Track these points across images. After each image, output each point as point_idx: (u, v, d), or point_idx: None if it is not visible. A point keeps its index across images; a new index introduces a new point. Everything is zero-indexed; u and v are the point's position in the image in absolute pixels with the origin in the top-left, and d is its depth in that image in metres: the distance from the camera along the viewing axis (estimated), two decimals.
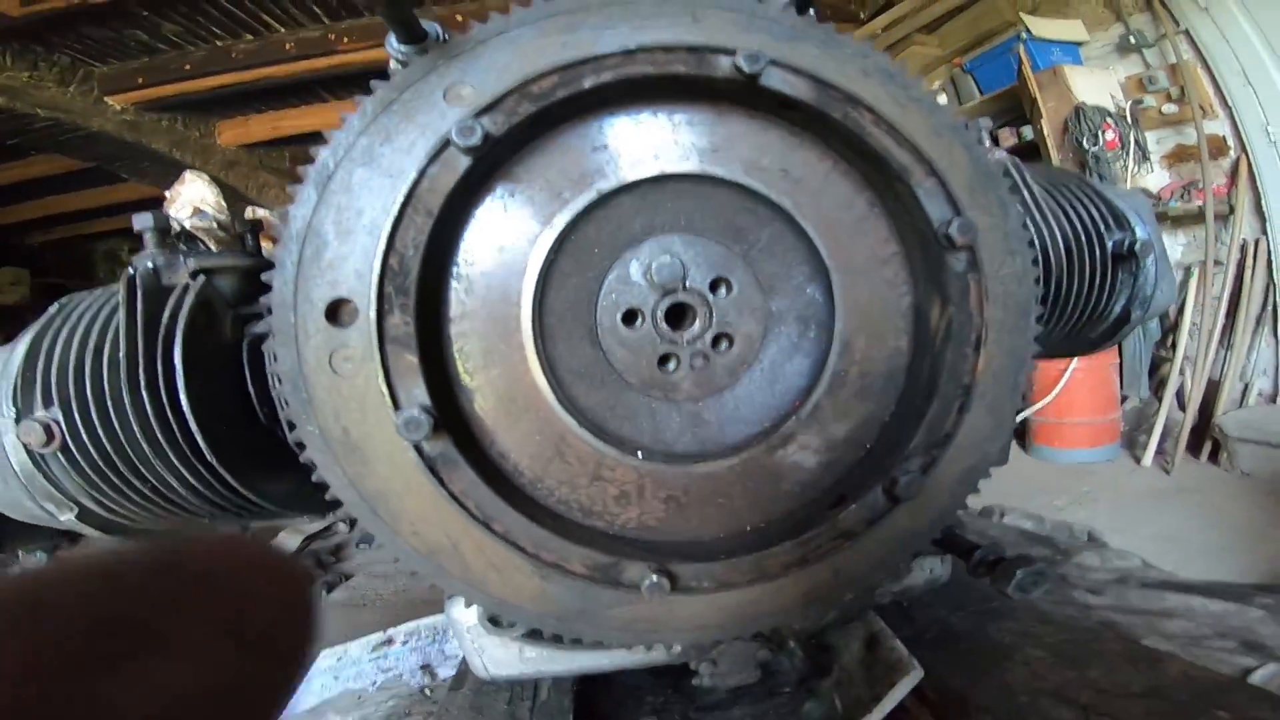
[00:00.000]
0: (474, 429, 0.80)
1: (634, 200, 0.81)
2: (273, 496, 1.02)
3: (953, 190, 0.79)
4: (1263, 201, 3.88)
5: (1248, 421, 3.81)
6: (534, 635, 1.06)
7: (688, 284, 0.83)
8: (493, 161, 0.77)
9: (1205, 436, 3.92)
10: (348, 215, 0.74)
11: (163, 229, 1.03)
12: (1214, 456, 3.93)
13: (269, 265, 1.10)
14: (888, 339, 0.87)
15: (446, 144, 0.72)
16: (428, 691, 1.59)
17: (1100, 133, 4.04)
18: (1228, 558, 3.26)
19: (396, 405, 0.71)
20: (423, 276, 0.72)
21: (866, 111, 0.79)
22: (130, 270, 0.98)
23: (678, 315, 0.85)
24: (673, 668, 1.25)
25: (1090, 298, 1.18)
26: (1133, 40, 4.24)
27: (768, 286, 0.85)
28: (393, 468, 0.75)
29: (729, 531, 0.87)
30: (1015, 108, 4.77)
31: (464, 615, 1.16)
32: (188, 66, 5.55)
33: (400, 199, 0.72)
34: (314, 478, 0.76)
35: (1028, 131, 4.61)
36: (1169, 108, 4.10)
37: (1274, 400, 3.94)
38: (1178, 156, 4.21)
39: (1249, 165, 3.92)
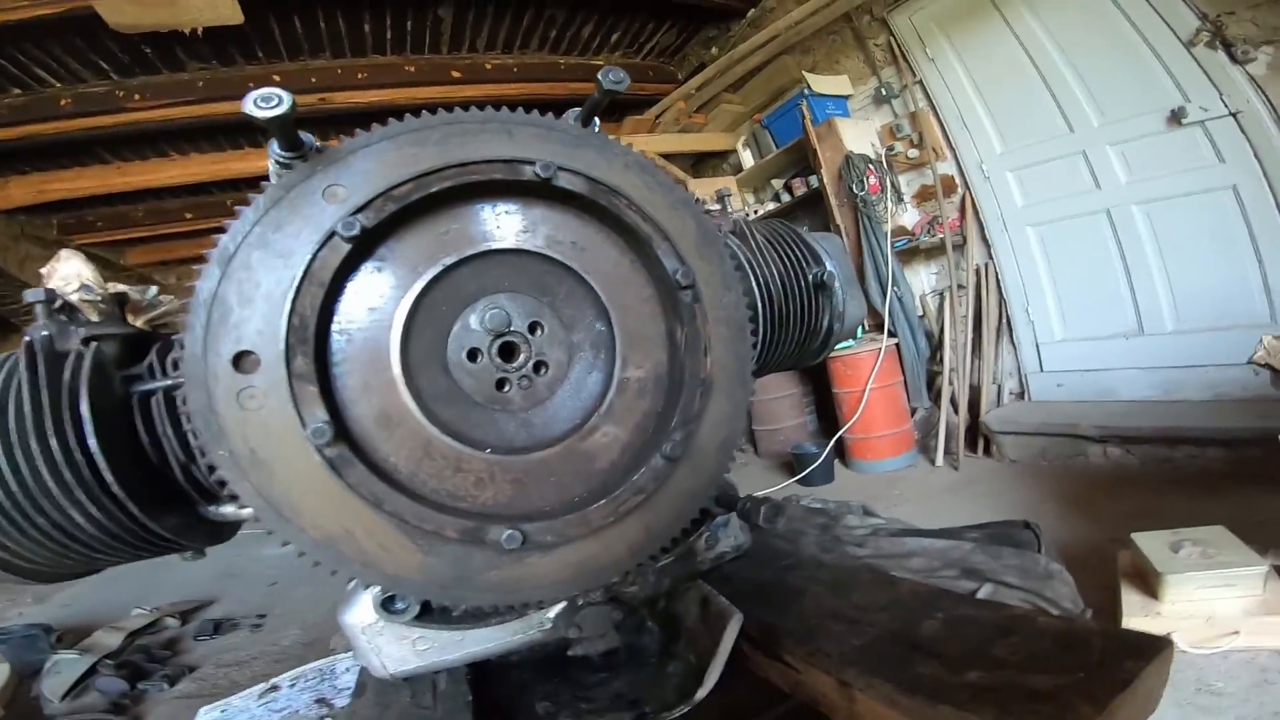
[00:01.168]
0: (361, 438, 1.15)
1: (470, 270, 1.23)
2: (169, 527, 1.28)
3: (680, 249, 1.30)
4: (985, 231, 5.02)
5: (1005, 417, 4.89)
6: (424, 619, 1.38)
7: (512, 327, 1.26)
8: (365, 245, 1.15)
9: (978, 434, 4.94)
10: (248, 287, 1.08)
11: (50, 302, 1.28)
12: (988, 450, 4.95)
13: (144, 335, 1.39)
14: (652, 353, 1.35)
15: (333, 234, 1.09)
16: (329, 717, 1.79)
17: (865, 179, 5.04)
18: None
19: (304, 423, 1.06)
20: (318, 330, 1.08)
21: (623, 199, 1.27)
22: (28, 338, 1.22)
23: (508, 350, 1.27)
24: (556, 660, 1.60)
25: (804, 315, 1.76)
26: (884, 92, 5.22)
27: (569, 325, 1.31)
28: (295, 474, 1.08)
29: (562, 500, 1.28)
30: (803, 159, 5.76)
31: (357, 618, 1.46)
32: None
33: (299, 274, 1.07)
34: (226, 491, 1.07)
35: (814, 180, 5.58)
36: (913, 152, 5.11)
37: (1021, 397, 5.09)
38: (923, 196, 5.26)
39: (972, 200, 5.00)
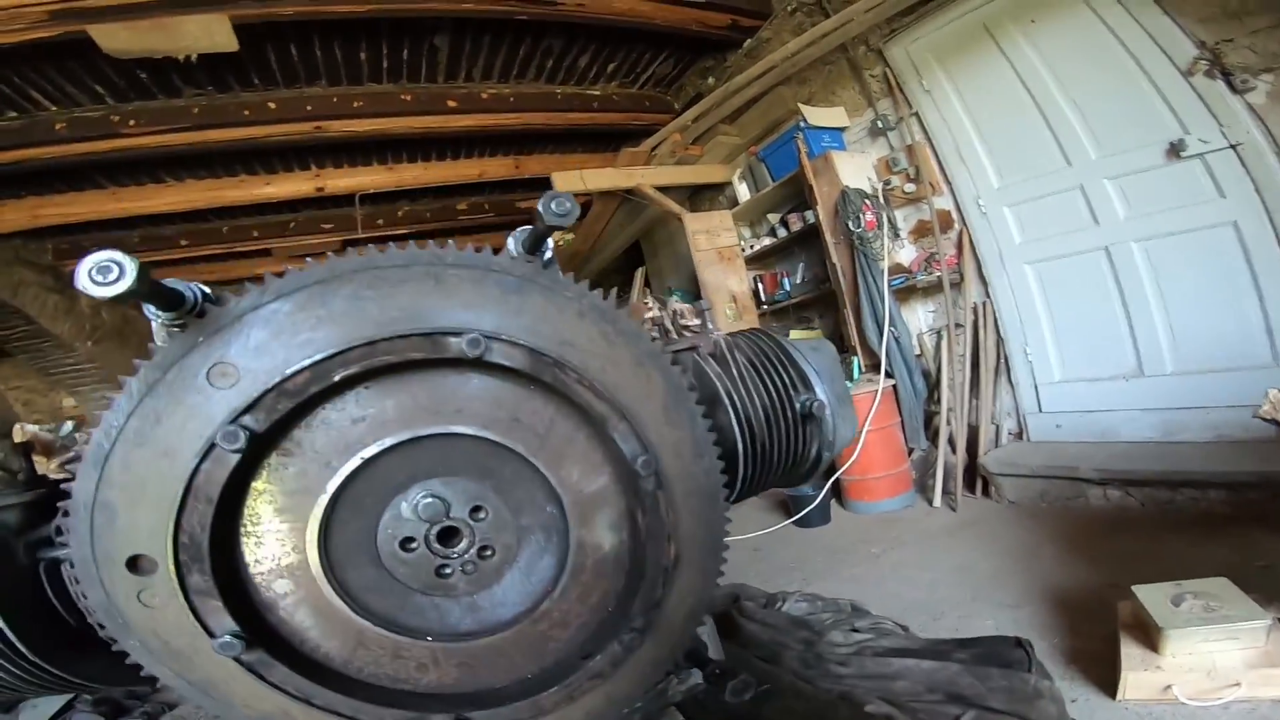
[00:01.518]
0: (284, 635, 1.02)
1: (395, 458, 1.06)
2: (90, 675, 1.21)
3: (640, 428, 1.12)
4: (983, 268, 4.79)
5: (1003, 458, 4.70)
6: None
7: (451, 515, 1.10)
8: (264, 443, 0.98)
9: (976, 475, 4.76)
10: (133, 490, 0.91)
11: None
12: (985, 491, 4.77)
13: (51, 492, 1.24)
14: (611, 535, 1.18)
15: (213, 445, 0.91)
16: None
17: (861, 215, 4.83)
18: (1010, 579, 3.88)
19: (210, 633, 0.92)
20: (213, 544, 0.92)
21: (570, 372, 1.08)
22: None
23: (448, 535, 1.11)
24: None
25: (790, 447, 1.59)
26: (880, 124, 5.00)
27: (515, 508, 1.14)
28: (216, 665, 0.95)
29: (512, 679, 1.14)
30: (799, 193, 5.54)
31: None
32: None
33: (180, 489, 0.91)
34: (142, 674, 0.94)
35: (810, 215, 5.35)
36: (909, 186, 4.89)
37: (1020, 437, 4.90)
38: (920, 231, 5.04)
39: (968, 236, 4.78)
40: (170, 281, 0.91)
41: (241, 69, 5.07)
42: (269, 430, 0.95)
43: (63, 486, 0.95)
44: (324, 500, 1.01)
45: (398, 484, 1.07)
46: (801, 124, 5.23)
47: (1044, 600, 3.61)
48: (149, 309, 0.92)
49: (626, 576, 1.19)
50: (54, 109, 5.09)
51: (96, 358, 7.29)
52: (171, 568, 0.91)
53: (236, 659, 0.95)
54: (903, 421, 4.97)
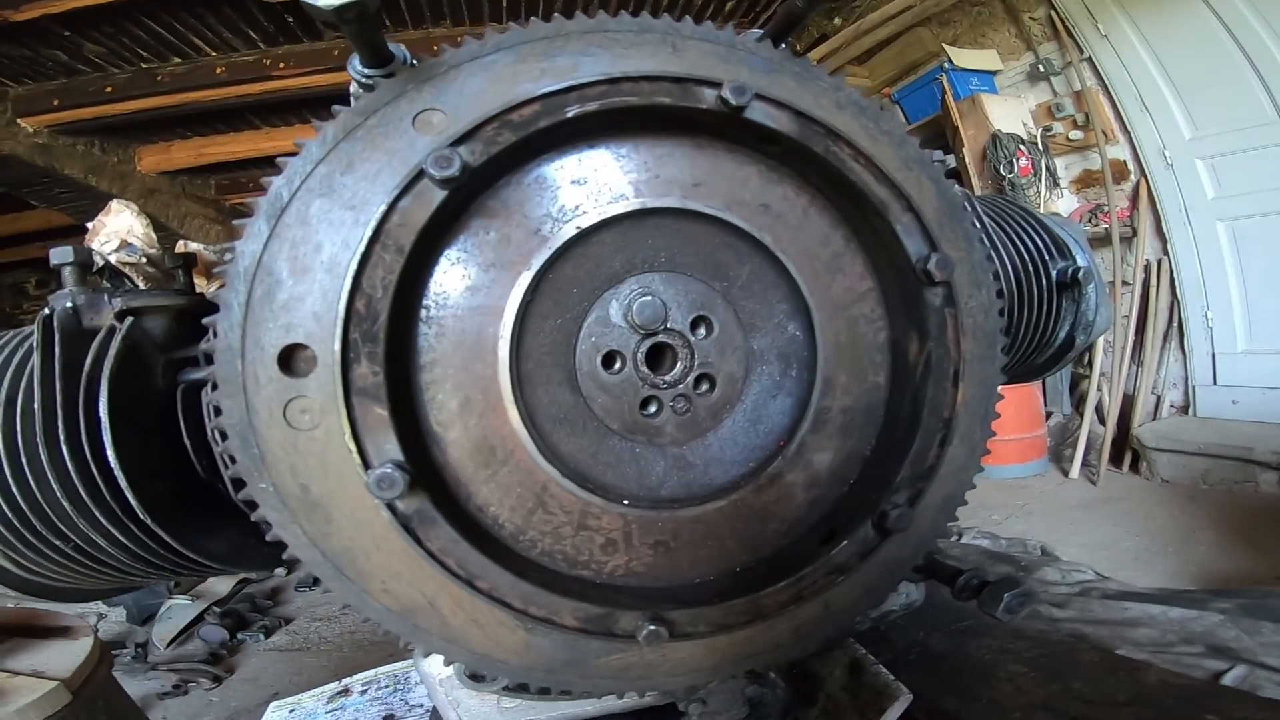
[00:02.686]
0: (449, 483, 0.74)
1: (614, 237, 0.78)
2: (215, 553, 0.93)
3: (928, 225, 0.80)
4: (1162, 223, 4.17)
5: (1163, 432, 4.07)
6: (521, 687, 0.99)
7: (669, 324, 0.80)
8: (467, 195, 0.73)
9: (1125, 448, 4.15)
10: (304, 251, 0.67)
11: (84, 264, 0.94)
12: (1135, 466, 4.16)
13: (205, 305, 1.01)
14: (867, 375, 0.86)
15: (420, 175, 0.67)
16: None
17: (1015, 159, 4.27)
18: (1157, 562, 3.44)
19: (366, 463, 0.65)
20: (392, 321, 0.66)
21: (846, 145, 0.78)
22: (47, 310, 0.88)
23: (658, 357, 0.82)
24: (658, 707, 1.21)
25: (1039, 325, 1.22)
26: (1042, 69, 4.48)
27: (748, 325, 0.84)
28: (360, 525, 0.68)
29: (719, 572, 0.85)
30: (939, 136, 5.01)
31: (435, 666, 1.09)
32: (109, 89, 5.24)
33: (368, 234, 0.66)
34: (268, 536, 0.69)
35: (950, 160, 4.83)
36: (1075, 134, 4.36)
37: (1185, 411, 4.22)
38: (1084, 181, 4.48)
39: (1148, 188, 4.20)
40: None
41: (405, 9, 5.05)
42: (482, 170, 0.69)
43: (212, 245, 0.72)
44: (527, 279, 0.74)
45: (611, 273, 0.79)
46: (946, 66, 4.68)
47: (1195, 587, 3.11)
48: (353, 65, 0.72)
49: (879, 435, 0.87)
50: (213, 54, 5.26)
51: None
52: (337, 347, 0.65)
53: (392, 506, 0.67)
54: (1044, 382, 4.39)
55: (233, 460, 0.68)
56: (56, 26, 4.49)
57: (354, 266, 0.66)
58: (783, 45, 0.83)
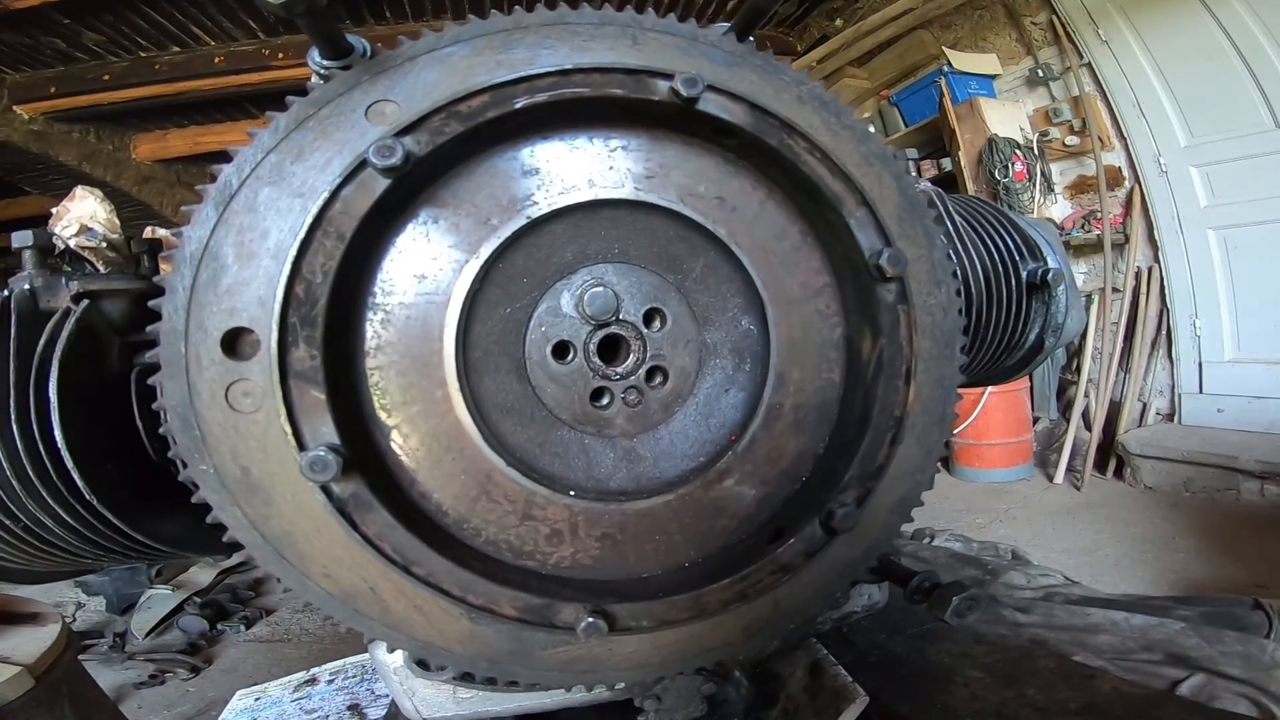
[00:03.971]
0: (391, 468, 0.73)
1: (566, 227, 0.78)
2: (166, 538, 0.92)
3: (883, 220, 0.79)
4: (1155, 230, 4.15)
5: (1148, 439, 4.06)
6: (467, 676, 0.99)
7: (621, 315, 0.80)
8: (415, 184, 0.72)
9: (1110, 454, 4.14)
10: (251, 237, 0.67)
11: (44, 248, 0.93)
12: (1119, 473, 4.16)
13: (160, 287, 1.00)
14: (820, 371, 0.85)
15: (363, 164, 0.67)
16: None
17: (1010, 164, 4.26)
18: (1139, 568, 3.44)
19: (301, 445, 0.65)
20: (332, 305, 0.66)
21: (801, 139, 0.78)
22: (4, 293, 0.87)
23: (610, 348, 0.82)
24: (618, 703, 1.20)
25: (1007, 327, 1.21)
26: (1041, 73, 4.47)
27: (702, 318, 0.83)
28: (299, 509, 0.68)
29: (666, 567, 0.84)
30: (936, 139, 5.00)
31: (390, 655, 1.08)
32: (106, 77, 5.23)
33: (309, 220, 0.65)
34: (209, 518, 0.69)
35: (946, 164, 4.82)
36: (1071, 139, 4.33)
37: (1171, 419, 4.21)
38: (1078, 187, 4.46)
39: (1142, 195, 4.18)
40: None
41: (376, 3, 5.03)
42: (428, 160, 0.69)
43: (174, 231, 0.72)
44: (475, 267, 0.73)
45: (562, 264, 0.78)
46: (945, 69, 4.66)
47: (1174, 594, 3.11)
48: (312, 57, 0.72)
49: (832, 432, 0.86)
50: (212, 44, 5.24)
51: None
52: (275, 330, 0.65)
53: (326, 489, 0.66)
54: (1031, 387, 4.39)
55: (173, 440, 0.67)
56: (56, 14, 4.48)
57: (294, 252, 0.65)
58: (749, 39, 0.83)
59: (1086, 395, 4.22)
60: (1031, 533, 3.87)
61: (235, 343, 0.67)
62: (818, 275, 0.84)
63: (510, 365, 0.78)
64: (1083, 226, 4.30)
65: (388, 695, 1.55)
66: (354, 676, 1.62)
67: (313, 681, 1.61)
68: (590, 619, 0.72)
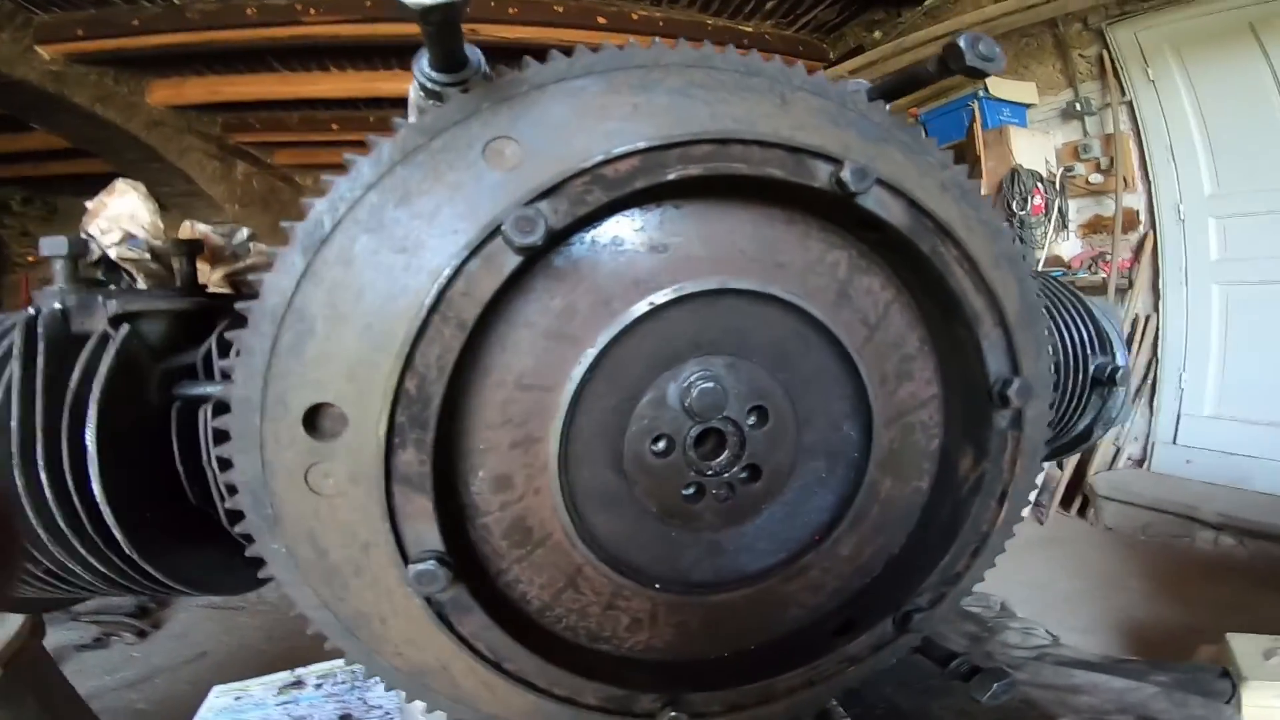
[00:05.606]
0: (480, 560, 0.67)
1: (685, 315, 0.70)
2: (195, 579, 0.84)
3: (1014, 341, 0.73)
4: (1160, 278, 4.13)
5: (1115, 482, 4.13)
6: None
7: (726, 413, 0.73)
8: (536, 255, 0.64)
9: (1078, 493, 4.21)
10: (344, 297, 0.57)
11: (78, 257, 0.80)
12: (1083, 511, 4.24)
13: (210, 306, 0.90)
14: (911, 480, 0.81)
15: (494, 233, 0.57)
16: None
17: (1030, 197, 4.19)
18: (1087, 604, 3.52)
19: (404, 554, 0.58)
20: (445, 404, 0.58)
21: (954, 246, 0.70)
22: (31, 311, 0.76)
23: (707, 439, 0.75)
24: None
25: (1063, 419, 1.17)
26: (1079, 107, 4.35)
27: (804, 419, 0.77)
28: (381, 596, 0.61)
29: (733, 650, 0.80)
30: (959, 163, 4.90)
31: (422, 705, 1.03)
32: (136, 22, 4.93)
33: (428, 302, 0.57)
34: (278, 595, 0.62)
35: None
36: (1095, 177, 4.27)
37: (1141, 464, 4.29)
38: (1092, 226, 4.41)
39: (1154, 242, 4.15)
40: None
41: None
42: (559, 235, 0.60)
43: (241, 288, 0.63)
44: (590, 355, 0.66)
45: (674, 354, 0.71)
46: (980, 93, 4.54)
47: (1118, 631, 3.24)
48: (419, 67, 0.59)
49: (910, 534, 0.82)
50: None
51: (240, 220, 7.52)
52: (383, 429, 0.56)
53: (430, 600, 0.60)
54: None
55: (241, 515, 0.60)
56: None
57: (409, 338, 0.57)
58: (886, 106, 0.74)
59: None
60: (992, 566, 3.93)
61: (318, 418, 0.59)
62: (928, 386, 0.79)
63: (609, 458, 0.71)
64: (1090, 268, 4.28)
65: (381, 706, 1.49)
66: (344, 683, 1.56)
67: (299, 684, 1.54)
68: (673, 712, 0.69)
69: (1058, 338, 1.14)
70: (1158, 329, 4.14)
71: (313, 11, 4.88)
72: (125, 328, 0.76)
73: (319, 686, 1.55)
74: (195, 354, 0.82)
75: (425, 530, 0.58)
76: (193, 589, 0.84)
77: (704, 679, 0.75)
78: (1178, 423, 4.15)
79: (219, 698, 1.51)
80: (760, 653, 0.80)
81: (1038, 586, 3.68)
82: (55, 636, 3.09)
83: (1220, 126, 3.92)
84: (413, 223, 0.58)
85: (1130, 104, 4.18)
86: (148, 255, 0.88)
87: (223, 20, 4.93)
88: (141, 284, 0.88)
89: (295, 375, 0.57)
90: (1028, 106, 4.59)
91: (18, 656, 1.33)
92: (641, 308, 0.67)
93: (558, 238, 0.64)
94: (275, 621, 3.29)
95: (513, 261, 0.58)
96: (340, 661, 1.64)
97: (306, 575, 0.60)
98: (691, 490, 0.75)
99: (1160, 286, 4.14)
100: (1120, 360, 1.17)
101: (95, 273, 0.85)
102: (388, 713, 1.45)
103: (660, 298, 0.67)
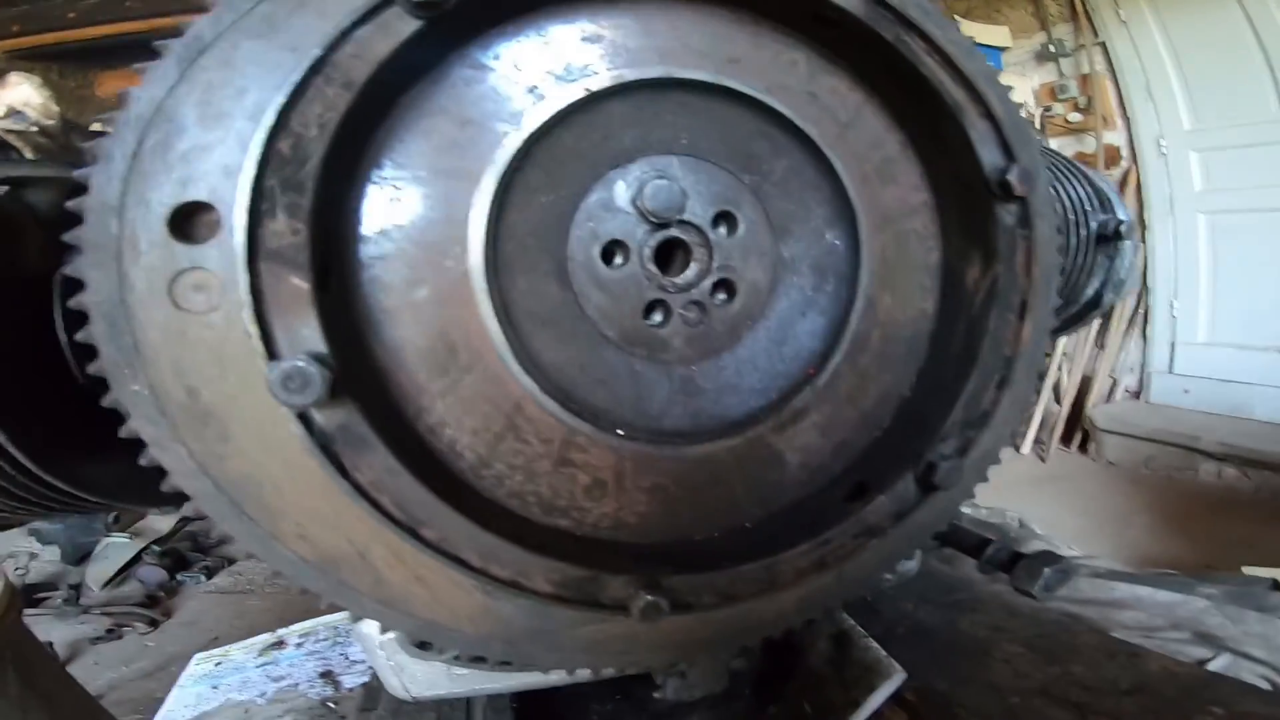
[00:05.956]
0: (392, 391, 0.56)
1: (628, 108, 0.60)
2: (97, 484, 0.72)
3: (1006, 134, 0.64)
4: (1145, 212, 4.14)
5: (1115, 415, 4.08)
6: (477, 660, 0.83)
7: (685, 216, 0.63)
8: (450, 38, 0.54)
9: (1077, 428, 4.16)
10: (223, 95, 0.48)
11: None
12: (1084, 446, 4.18)
13: None
14: (914, 300, 0.71)
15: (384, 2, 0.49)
16: (331, 704, 1.31)
17: None
18: (1096, 541, 3.46)
19: (272, 352, 0.47)
20: (327, 168, 0.48)
21: (920, 38, 0.61)
22: None
23: (670, 254, 0.65)
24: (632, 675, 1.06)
25: (1070, 279, 1.08)
26: (1052, 49, 4.36)
27: (780, 227, 0.67)
28: (267, 446, 0.50)
29: (725, 528, 0.69)
30: None
31: (374, 628, 0.93)
32: (72, 15, 4.78)
33: (307, 63, 0.47)
34: (143, 458, 0.50)
35: None
36: (1074, 116, 4.27)
37: (1138, 396, 4.24)
38: None
39: (1137, 176, 4.15)
40: None
41: None
42: (471, 7, 0.51)
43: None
44: (517, 141, 0.56)
45: (620, 150, 0.61)
46: None
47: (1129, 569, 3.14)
48: None
49: (920, 372, 0.72)
50: None
51: None
52: (247, 195, 0.46)
53: (305, 417, 0.48)
54: None
55: (95, 352, 0.48)
56: None
57: (282, 100, 0.47)
58: None
59: (1060, 368, 4.21)
60: (995, 502, 3.87)
61: (189, 221, 0.48)
62: (916, 192, 0.69)
63: (550, 265, 0.61)
64: None
65: (363, 660, 1.40)
66: (325, 640, 1.46)
67: (280, 645, 1.45)
68: (649, 597, 0.56)
69: (1056, 195, 1.05)
70: (1145, 260, 4.11)
71: None
72: (4, 189, 0.67)
73: (300, 645, 1.46)
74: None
75: (302, 324, 0.48)
76: (94, 496, 0.72)
77: (690, 559, 0.63)
78: (1173, 351, 4.12)
79: (199, 665, 1.43)
80: (754, 531, 0.69)
81: (1044, 525, 3.62)
82: (68, 631, 3.04)
83: (1194, 64, 3.93)
84: (311, 21, 0.49)
85: (1104, 45, 4.19)
86: (35, 129, 0.78)
87: (162, 7, 4.72)
88: (29, 155, 0.78)
89: (160, 174, 0.48)
90: (1002, 50, 4.56)
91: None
92: (575, 93, 0.57)
93: (478, 25, 0.55)
94: (286, 604, 3.22)
95: (410, 25, 0.49)
96: (324, 619, 1.56)
97: (176, 425, 0.48)
98: (654, 309, 0.64)
99: (1146, 218, 4.13)
100: (1121, 214, 1.08)
101: None
102: (368, 667, 1.35)
103: (597, 84, 0.58)
